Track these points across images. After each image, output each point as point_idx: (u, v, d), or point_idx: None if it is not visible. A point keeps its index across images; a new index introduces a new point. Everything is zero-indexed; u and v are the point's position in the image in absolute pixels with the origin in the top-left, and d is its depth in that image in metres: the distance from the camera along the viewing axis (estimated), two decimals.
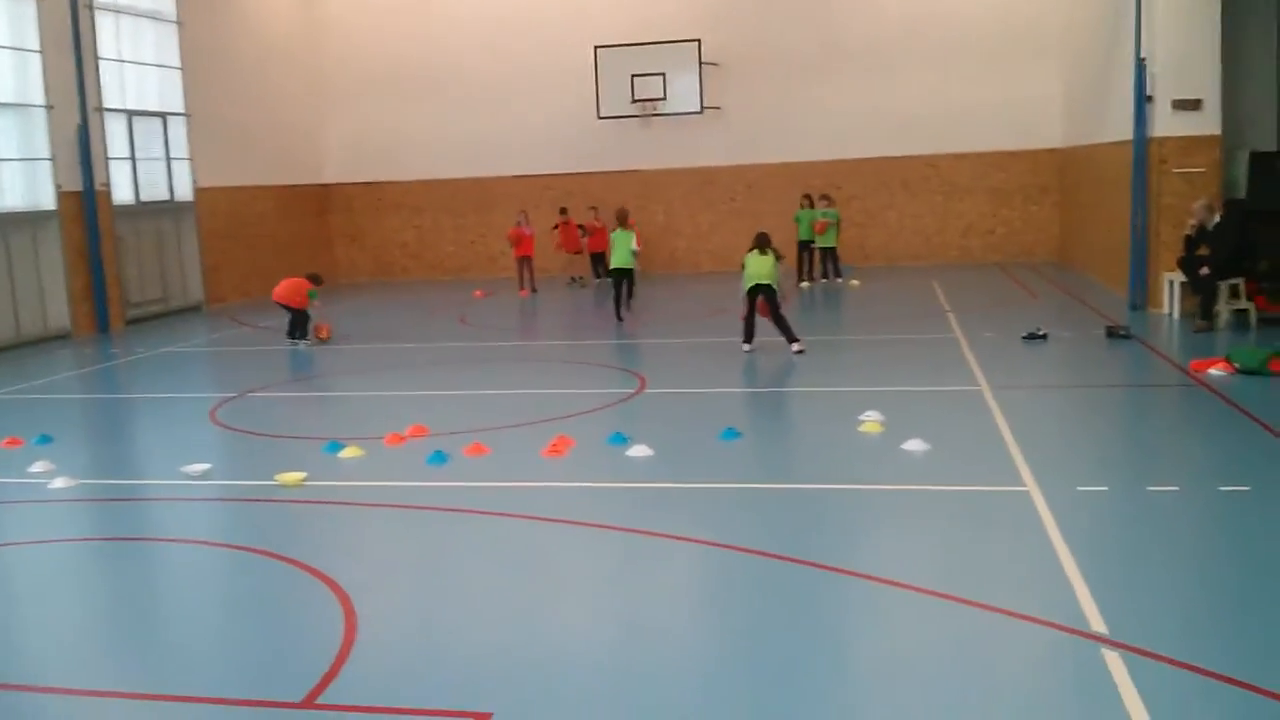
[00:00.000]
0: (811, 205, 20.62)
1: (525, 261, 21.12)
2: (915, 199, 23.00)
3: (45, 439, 9.90)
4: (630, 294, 17.13)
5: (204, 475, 8.54)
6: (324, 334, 15.64)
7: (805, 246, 20.56)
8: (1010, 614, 5.32)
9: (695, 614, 5.73)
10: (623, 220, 17.40)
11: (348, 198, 25.42)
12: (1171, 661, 4.73)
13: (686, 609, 5.81)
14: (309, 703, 4.71)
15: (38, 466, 8.91)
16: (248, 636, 5.66)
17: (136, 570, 6.87)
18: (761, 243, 12.91)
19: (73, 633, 5.88)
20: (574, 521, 7.09)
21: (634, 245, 16.68)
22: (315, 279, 15.81)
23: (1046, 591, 5.59)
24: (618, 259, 16.61)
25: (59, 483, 8.46)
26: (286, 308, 15.50)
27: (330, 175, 25.36)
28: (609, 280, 21.97)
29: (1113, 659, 4.78)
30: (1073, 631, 5.09)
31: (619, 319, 16.54)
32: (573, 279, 22.44)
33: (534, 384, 12.10)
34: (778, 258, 12.91)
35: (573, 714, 4.62)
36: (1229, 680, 4.55)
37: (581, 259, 22.66)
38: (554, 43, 23.67)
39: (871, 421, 9.23)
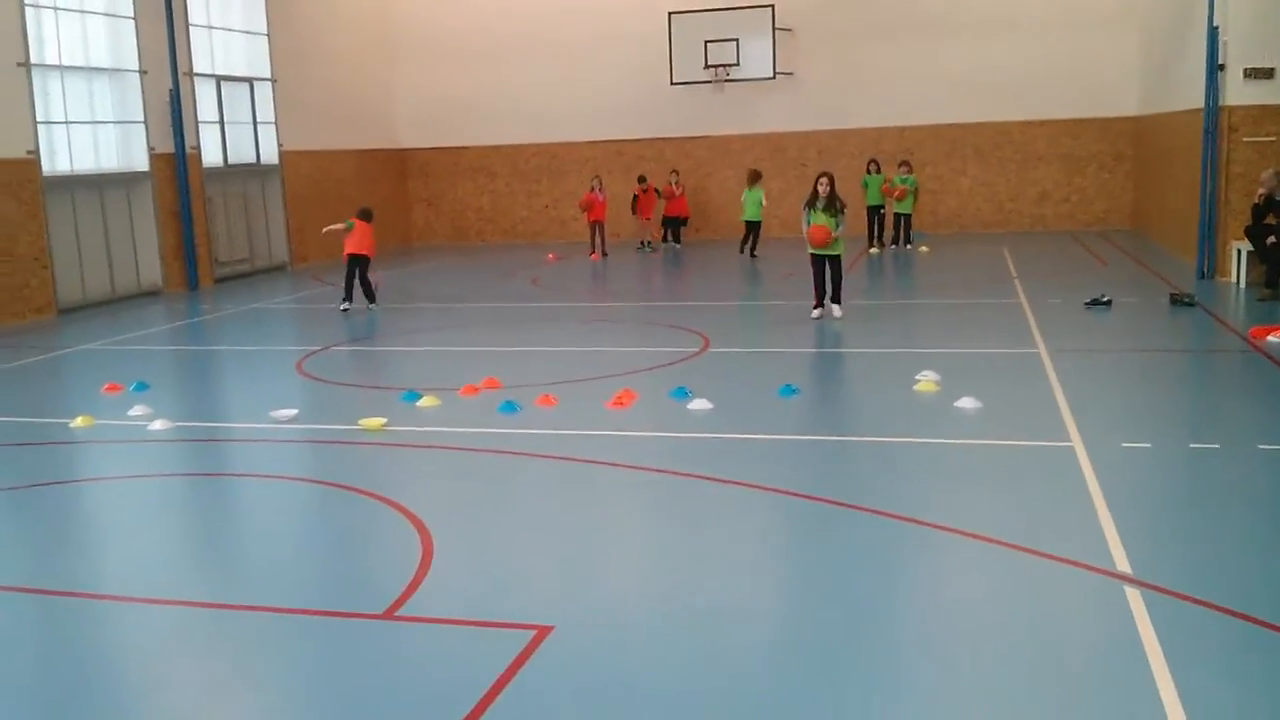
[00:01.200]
0: (878, 170, 20.79)
1: (597, 226, 21.56)
2: (988, 166, 23.00)
3: (142, 386, 10.56)
4: (756, 242, 20.24)
5: (292, 420, 9.12)
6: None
7: (874, 212, 20.74)
8: (1044, 555, 5.64)
9: (747, 548, 6.13)
10: (754, 180, 20.33)
11: (424, 162, 26.03)
12: (1186, 598, 5.04)
13: (739, 543, 6.20)
14: (390, 614, 5.21)
15: (137, 410, 9.55)
16: (334, 559, 6.20)
17: (231, 502, 7.46)
18: (820, 199, 12.55)
19: (174, 554, 6.47)
20: (635, 466, 7.53)
21: (762, 200, 20.22)
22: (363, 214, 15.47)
23: (1079, 535, 5.90)
24: (749, 213, 20.15)
25: (157, 425, 9.08)
26: (359, 258, 15.15)
27: (407, 140, 25.97)
28: (676, 245, 22.52)
29: (1133, 595, 5.09)
30: (1100, 571, 5.41)
31: (753, 256, 20.02)
32: (643, 243, 22.82)
33: (602, 342, 12.54)
34: (839, 211, 12.61)
35: (628, 628, 5.06)
36: (1238, 615, 4.85)
37: (652, 224, 23.02)
38: (627, 8, 23.96)
39: (927, 381, 9.52)
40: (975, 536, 5.94)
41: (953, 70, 22.61)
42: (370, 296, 15.35)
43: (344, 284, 15.31)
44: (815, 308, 12.84)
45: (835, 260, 12.71)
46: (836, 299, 12.79)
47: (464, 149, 25.72)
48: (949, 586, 5.46)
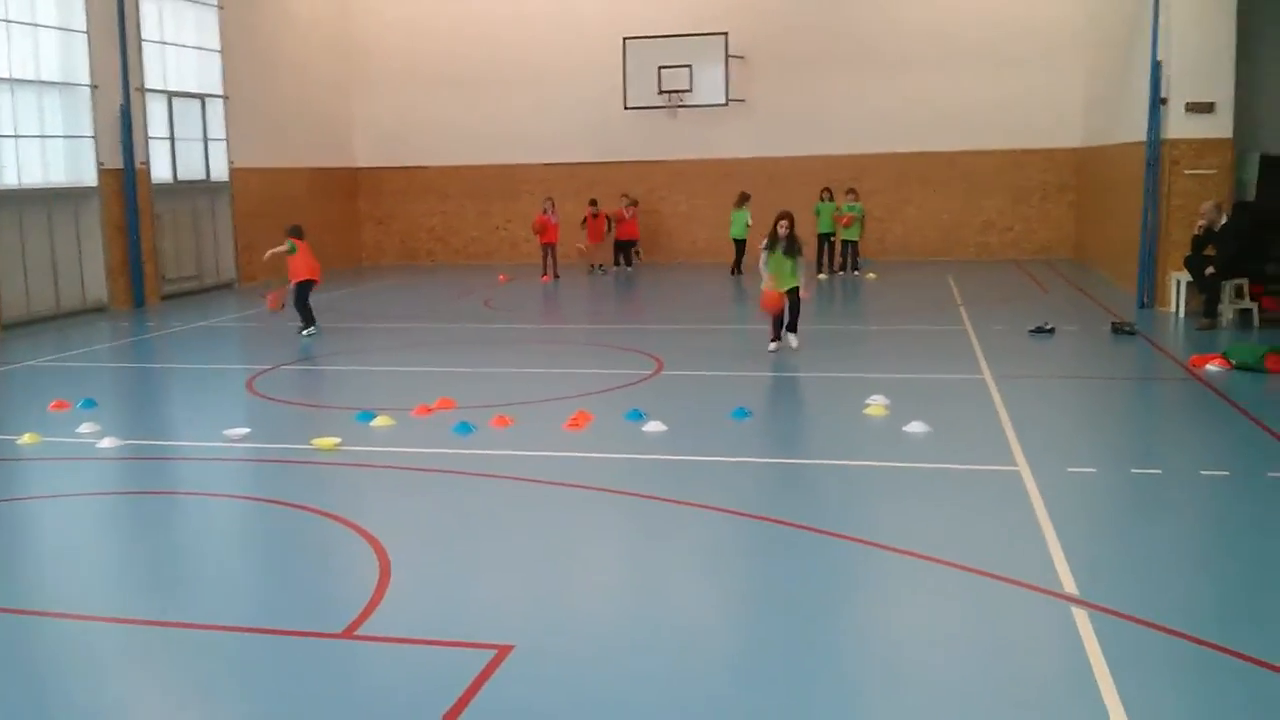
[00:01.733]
0: (831, 198, 21.08)
1: (549, 248, 21.62)
2: (935, 195, 23.37)
3: (90, 403, 10.43)
4: (740, 260, 21.32)
5: (244, 439, 9.07)
6: (274, 305, 15.25)
7: (825, 239, 21.01)
8: (992, 576, 5.77)
9: (702, 568, 6.20)
10: (743, 201, 21.58)
11: (377, 181, 25.97)
12: (1132, 619, 5.18)
13: (693, 563, 6.28)
14: (349, 634, 5.21)
15: (85, 428, 9.44)
16: (291, 578, 6.19)
17: (183, 520, 7.41)
18: (781, 241, 12.20)
19: (127, 572, 6.42)
20: (591, 487, 7.58)
21: (748, 221, 21.15)
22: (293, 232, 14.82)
23: (1027, 558, 6.03)
24: (735, 231, 21.49)
25: (106, 442, 8.99)
26: (311, 283, 14.71)
27: (361, 159, 25.90)
28: (629, 268, 22.63)
29: (1080, 616, 5.23)
30: (1047, 592, 5.54)
31: (738, 272, 21.18)
32: (594, 266, 22.90)
33: (556, 364, 12.57)
34: (798, 252, 12.34)
35: (588, 647, 5.11)
36: (1182, 635, 5.00)
37: (604, 248, 23.10)
38: (583, 33, 24.12)
39: (876, 405, 9.67)
40: (925, 558, 6.05)
41: (901, 100, 22.99)
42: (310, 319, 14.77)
43: (300, 310, 14.70)
44: (772, 341, 12.67)
45: (793, 292, 12.63)
46: (793, 328, 12.79)
47: (417, 169, 25.70)
48: (898, 607, 5.57)
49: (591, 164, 24.57)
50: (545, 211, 21.76)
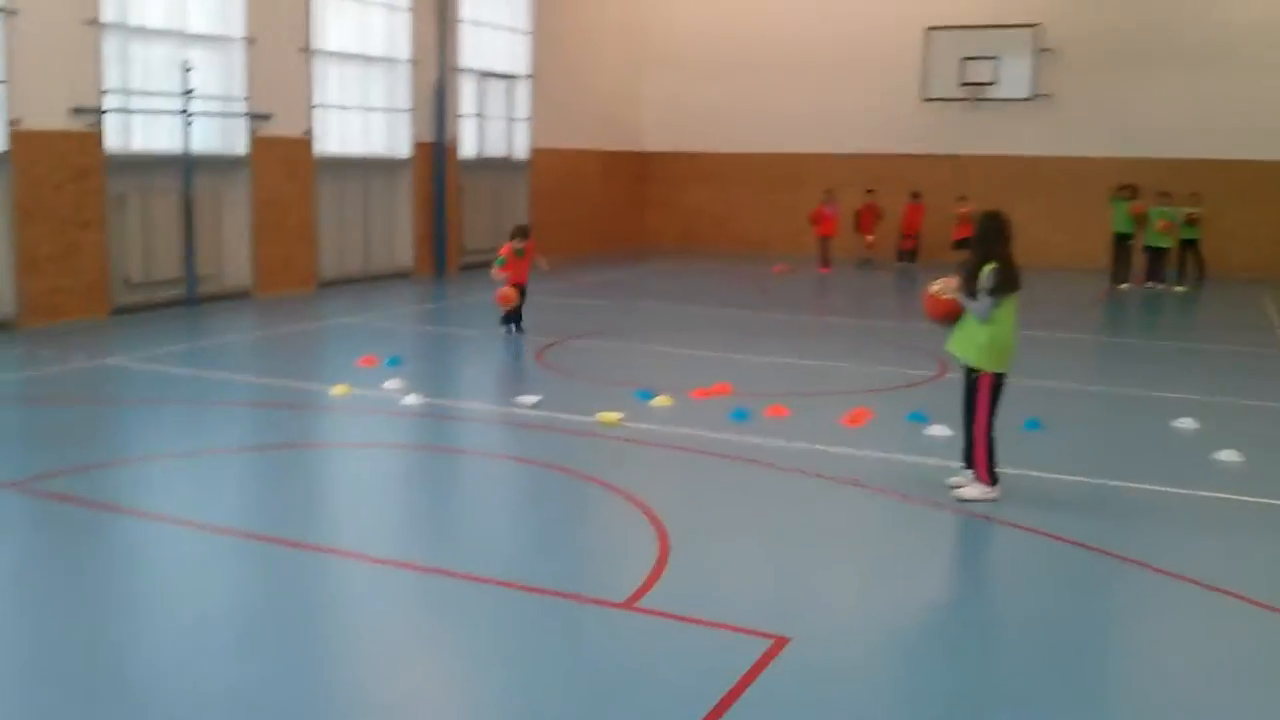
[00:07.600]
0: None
1: (826, 241, 21.47)
2: (1252, 207, 21.57)
3: (395, 360, 11.10)
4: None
5: (534, 406, 9.42)
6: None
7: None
8: None
9: (985, 581, 5.98)
10: (1124, 193, 19.62)
11: (664, 166, 26.37)
12: None
13: (977, 575, 6.06)
14: (630, 605, 5.32)
15: (391, 384, 10.05)
16: (577, 542, 6.40)
17: (478, 478, 7.80)
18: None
19: (426, 521, 6.79)
20: (871, 487, 7.43)
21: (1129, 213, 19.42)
22: (517, 233, 13.45)
23: None
24: (1117, 225, 19.61)
25: (410, 399, 9.54)
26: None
27: (649, 144, 26.38)
28: (910, 265, 22.09)
29: None
30: None
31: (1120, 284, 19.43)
32: (863, 261, 22.47)
33: (831, 357, 12.40)
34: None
35: (863, 645, 5.02)
36: None
37: (883, 241, 22.63)
38: (882, 22, 23.65)
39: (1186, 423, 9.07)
40: (1247, 600, 5.60)
41: (1226, 102, 21.34)
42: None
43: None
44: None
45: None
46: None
47: (702, 155, 25.92)
48: (1210, 646, 5.17)
49: (879, 155, 24.05)
50: (824, 203, 21.62)
